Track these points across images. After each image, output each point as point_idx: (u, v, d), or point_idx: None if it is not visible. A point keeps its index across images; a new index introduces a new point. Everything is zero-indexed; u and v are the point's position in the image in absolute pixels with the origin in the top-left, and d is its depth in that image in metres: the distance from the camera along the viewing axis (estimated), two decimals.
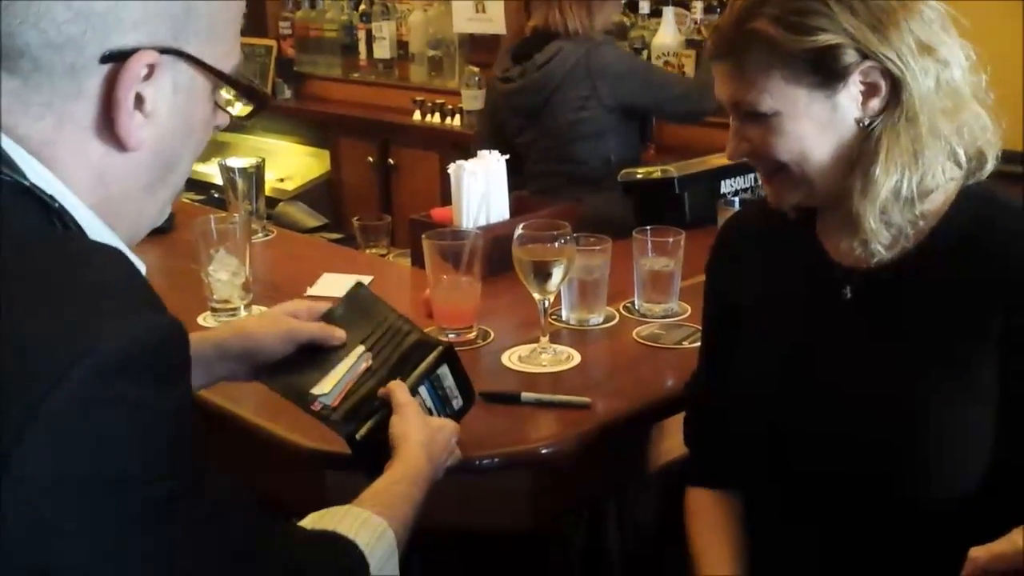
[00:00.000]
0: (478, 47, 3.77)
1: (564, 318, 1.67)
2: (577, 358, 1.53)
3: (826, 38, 1.01)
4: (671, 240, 1.67)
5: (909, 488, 1.07)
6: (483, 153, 1.97)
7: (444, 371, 1.19)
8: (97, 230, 0.75)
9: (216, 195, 2.90)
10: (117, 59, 0.72)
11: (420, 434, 1.08)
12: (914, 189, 1.04)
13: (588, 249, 1.61)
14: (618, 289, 1.71)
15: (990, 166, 1.09)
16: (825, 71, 1.03)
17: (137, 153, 0.75)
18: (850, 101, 1.04)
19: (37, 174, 0.72)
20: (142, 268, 0.76)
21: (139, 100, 0.74)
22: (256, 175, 2.22)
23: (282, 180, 4.12)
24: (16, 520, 0.62)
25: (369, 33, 4.21)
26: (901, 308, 1.09)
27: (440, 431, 1.12)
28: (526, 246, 1.48)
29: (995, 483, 1.04)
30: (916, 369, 1.07)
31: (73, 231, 0.73)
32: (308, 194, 4.01)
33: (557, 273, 1.48)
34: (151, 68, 0.73)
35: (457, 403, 1.21)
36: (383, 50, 4.16)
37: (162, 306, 0.70)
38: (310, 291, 1.86)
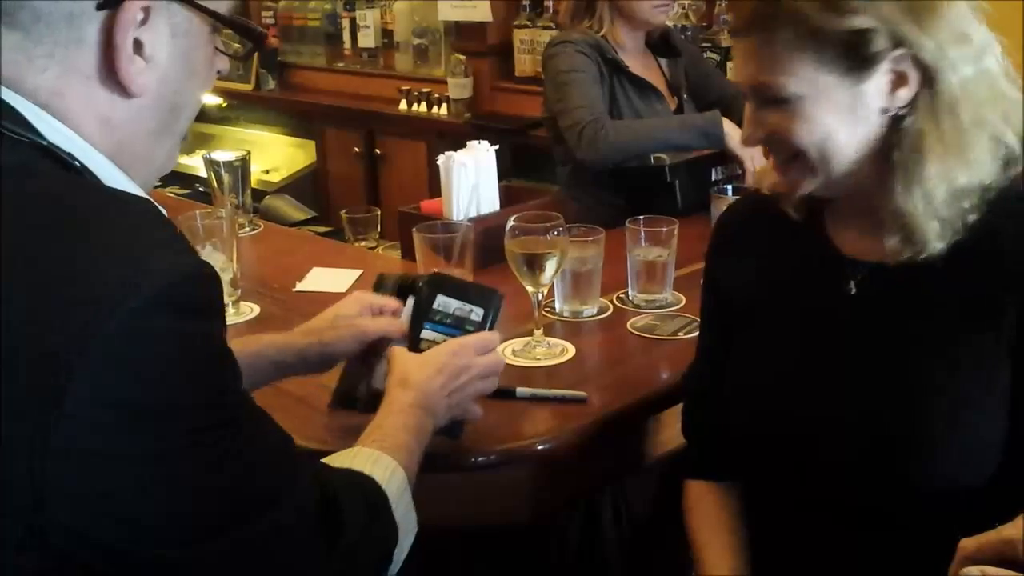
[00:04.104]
0: (464, 35, 3.75)
1: (557, 310, 1.65)
2: (572, 351, 1.51)
3: (861, 21, 0.97)
4: (664, 230, 1.66)
5: (916, 483, 1.05)
6: (472, 143, 1.95)
7: (443, 300, 1.20)
8: (115, 177, 0.77)
9: (201, 189, 2.87)
10: (112, 5, 0.74)
11: (392, 375, 1.12)
12: (964, 182, 1.00)
13: (581, 240, 1.60)
14: (611, 280, 1.69)
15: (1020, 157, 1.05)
16: (855, 57, 0.99)
17: (141, 98, 0.77)
18: (876, 90, 1.00)
19: (52, 129, 0.74)
20: None
21: (138, 45, 0.76)
22: (242, 168, 2.19)
23: (267, 172, 4.09)
24: (66, 452, 0.65)
25: (353, 22, 4.18)
26: (908, 304, 1.07)
27: (425, 363, 1.13)
28: (518, 238, 1.46)
29: (1006, 478, 1.03)
30: (923, 366, 1.05)
31: (97, 183, 0.75)
32: (294, 185, 3.98)
33: (550, 266, 1.46)
34: (146, 12, 0.75)
35: (476, 315, 1.20)
36: (368, 39, 4.13)
37: (193, 249, 0.74)
38: (299, 286, 1.84)
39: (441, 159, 1.91)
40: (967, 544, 0.85)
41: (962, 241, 1.04)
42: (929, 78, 0.99)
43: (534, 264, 1.45)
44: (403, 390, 1.09)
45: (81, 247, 0.67)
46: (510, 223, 1.47)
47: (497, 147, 1.96)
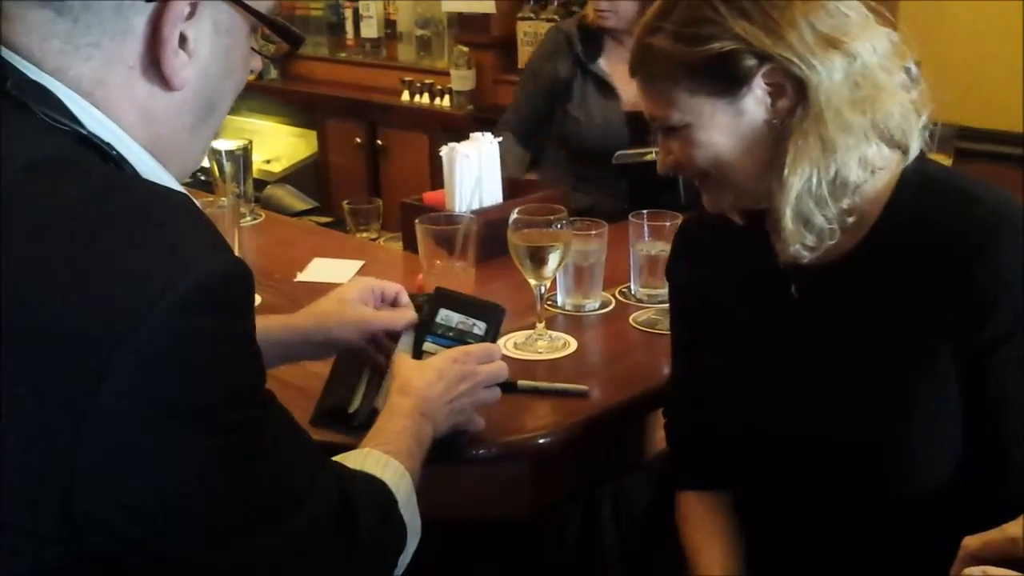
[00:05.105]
0: (467, 26, 3.73)
1: (560, 303, 1.65)
2: (573, 344, 1.51)
3: (719, 45, 1.00)
4: (668, 224, 1.65)
5: (883, 480, 1.05)
6: (476, 135, 1.94)
7: (445, 314, 1.22)
8: (152, 169, 0.78)
9: (202, 178, 2.86)
10: None
11: (395, 382, 1.13)
12: (825, 187, 1.02)
13: (584, 233, 1.59)
14: (614, 274, 1.69)
15: (914, 151, 1.06)
16: (724, 78, 1.02)
17: (181, 92, 0.79)
18: (757, 104, 1.03)
19: (93, 118, 0.75)
20: None
21: (183, 39, 0.77)
22: (244, 157, 2.18)
23: (268, 162, 4.08)
24: (98, 447, 0.65)
25: (356, 12, 4.17)
26: (851, 304, 1.08)
27: (426, 369, 1.14)
28: (521, 231, 1.46)
29: (971, 468, 1.03)
30: (871, 364, 1.05)
31: (135, 175, 0.76)
32: (295, 176, 3.98)
33: (553, 258, 1.46)
34: (193, 7, 0.77)
35: (479, 328, 1.21)
36: (370, 29, 4.12)
37: (228, 245, 0.74)
38: (301, 276, 1.84)
39: (444, 150, 1.90)
40: (970, 543, 0.84)
41: (893, 237, 1.05)
42: (801, 87, 1.00)
43: (537, 257, 1.45)
44: (403, 396, 1.10)
45: (122, 243, 0.68)
46: (513, 215, 1.47)
47: (500, 139, 1.95)
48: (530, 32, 3.52)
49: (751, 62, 1.01)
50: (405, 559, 0.96)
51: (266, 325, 1.18)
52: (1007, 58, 2.39)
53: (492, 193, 1.92)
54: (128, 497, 0.68)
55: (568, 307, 1.64)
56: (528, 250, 1.45)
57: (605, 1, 2.29)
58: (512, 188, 1.98)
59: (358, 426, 1.19)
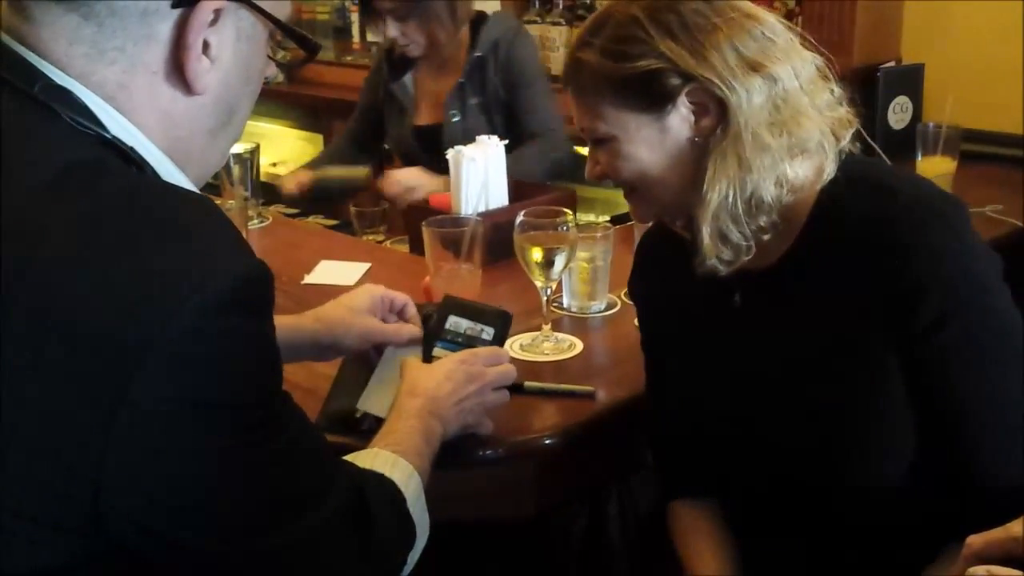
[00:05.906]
0: None
1: (565, 305, 1.66)
2: (579, 346, 1.52)
3: (645, 63, 1.04)
4: None
5: (849, 476, 1.07)
6: (482, 138, 1.95)
7: (454, 320, 1.25)
8: (172, 173, 0.80)
9: (210, 180, 2.87)
10: (187, 4, 0.76)
11: (403, 384, 1.15)
12: (741, 205, 1.04)
13: (590, 236, 1.60)
14: (620, 276, 1.69)
15: (828, 173, 1.08)
16: (650, 95, 1.05)
17: (202, 97, 0.80)
18: (681, 122, 1.06)
19: (116, 123, 0.76)
20: None
21: (205, 45, 0.78)
22: (251, 160, 2.19)
23: (275, 165, 4.09)
24: (127, 443, 0.67)
25: None
26: (789, 307, 1.09)
27: (434, 370, 1.16)
28: (528, 233, 1.47)
29: (944, 464, 1.04)
30: (816, 364, 1.07)
31: (157, 178, 0.78)
32: None
33: (560, 260, 1.46)
34: (217, 14, 0.78)
35: (487, 334, 1.24)
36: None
37: (250, 247, 0.76)
38: (307, 279, 1.85)
39: (451, 153, 1.91)
40: (974, 541, 0.85)
41: (821, 238, 1.07)
42: (723, 108, 1.03)
43: (544, 259, 1.46)
44: (412, 397, 1.11)
45: (152, 245, 0.70)
46: (519, 218, 1.48)
47: (507, 142, 1.96)
48: (535, 35, 3.53)
49: (676, 81, 1.04)
50: (414, 557, 0.97)
51: (277, 326, 1.21)
52: (1010, 60, 2.39)
53: (498, 196, 1.93)
54: (153, 492, 0.70)
55: (574, 309, 1.65)
56: (534, 252, 1.46)
57: (397, 36, 2.35)
58: (518, 191, 1.99)
59: (365, 430, 1.20)
